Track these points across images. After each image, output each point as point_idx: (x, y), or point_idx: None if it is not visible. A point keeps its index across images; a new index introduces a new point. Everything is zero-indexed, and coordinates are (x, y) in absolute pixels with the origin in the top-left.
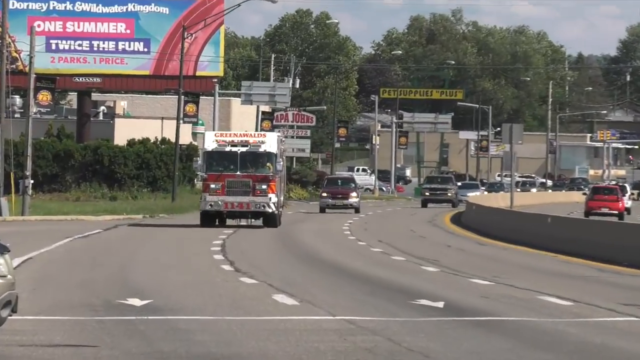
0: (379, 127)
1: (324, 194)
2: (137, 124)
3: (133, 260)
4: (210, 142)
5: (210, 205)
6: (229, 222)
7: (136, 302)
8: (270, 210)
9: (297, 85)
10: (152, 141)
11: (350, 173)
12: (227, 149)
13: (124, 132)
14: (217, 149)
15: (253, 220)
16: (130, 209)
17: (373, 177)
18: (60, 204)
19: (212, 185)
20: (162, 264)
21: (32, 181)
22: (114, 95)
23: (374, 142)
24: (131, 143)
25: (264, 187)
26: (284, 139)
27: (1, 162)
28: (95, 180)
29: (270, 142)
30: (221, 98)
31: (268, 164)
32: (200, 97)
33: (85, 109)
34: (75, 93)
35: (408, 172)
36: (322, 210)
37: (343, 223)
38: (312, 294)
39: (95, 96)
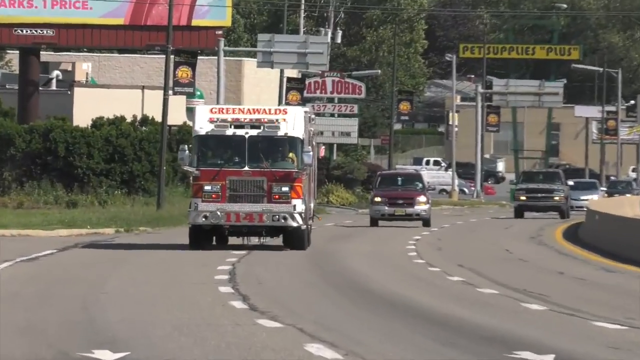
0: (458, 101)
1: (377, 199)
2: (106, 95)
3: (101, 293)
4: (202, 121)
5: (205, 217)
6: (231, 240)
7: (106, 355)
8: (294, 225)
9: (339, 40)
10: (128, 121)
11: (415, 167)
12: (229, 131)
13: (88, 108)
14: (213, 132)
15: (268, 238)
16: (97, 219)
17: (449, 173)
18: None
19: (207, 187)
20: (144, 298)
21: None
22: (73, 54)
23: (450, 122)
24: (98, 124)
25: (285, 189)
26: (314, 116)
27: None
28: (45, 177)
29: (293, 121)
30: (228, 59)
31: (291, 154)
32: (199, 57)
33: (31, 75)
34: (17, 52)
35: (500, 166)
36: (374, 222)
37: (407, 240)
38: (361, 343)
39: (45, 56)
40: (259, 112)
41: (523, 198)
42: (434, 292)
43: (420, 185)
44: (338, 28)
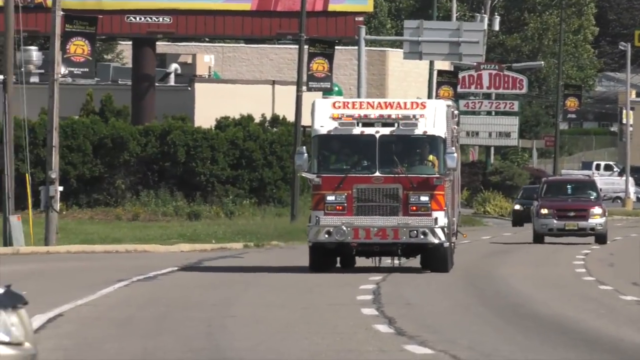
0: (633, 96)
1: (543, 211)
2: (231, 92)
3: (228, 317)
4: (323, 117)
5: (328, 233)
6: (359, 262)
7: None
8: (435, 241)
9: (497, 27)
10: (256, 121)
11: (586, 172)
12: (356, 130)
13: (210, 107)
14: (336, 131)
15: (403, 259)
16: (223, 233)
17: (623, 178)
18: (106, 226)
19: (331, 197)
20: (276, 322)
21: (60, 188)
22: (193, 45)
23: (624, 121)
24: (222, 124)
25: (425, 198)
26: (457, 112)
27: (9, 158)
28: (164, 186)
29: (434, 117)
30: (370, 49)
31: (431, 156)
32: (337, 47)
33: (145, 69)
34: (130, 42)
35: None
36: (539, 238)
37: (574, 255)
38: None
39: (162, 47)
40: (391, 107)
41: None
42: (605, 313)
43: (595, 194)
44: (496, 13)
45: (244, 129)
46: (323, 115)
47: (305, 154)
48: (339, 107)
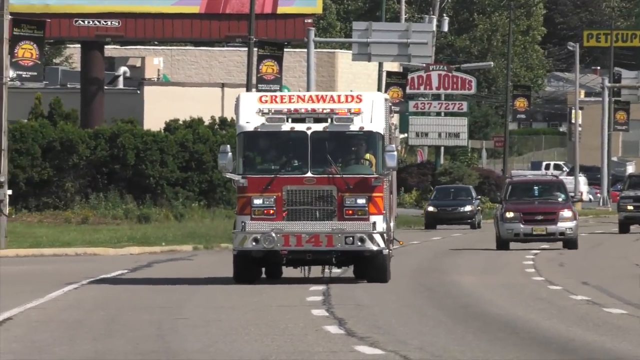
0: (582, 96)
1: (509, 214)
2: (180, 94)
3: (178, 319)
4: (249, 113)
5: (255, 240)
6: (287, 272)
7: None
8: (373, 248)
9: (446, 28)
10: (206, 123)
11: (536, 172)
12: (285, 126)
13: (160, 109)
14: (264, 128)
15: (334, 269)
16: (173, 235)
17: (575, 178)
18: (56, 229)
19: (258, 201)
20: (227, 324)
21: (9, 192)
22: (142, 48)
23: (572, 121)
24: (172, 127)
25: (362, 201)
26: (392, 105)
27: None
28: (113, 189)
29: (371, 111)
30: (320, 51)
31: (368, 155)
32: (286, 49)
33: (94, 72)
34: (79, 46)
35: (630, 170)
36: (504, 244)
37: (523, 255)
38: None
39: (110, 50)
40: (324, 101)
41: (630, 208)
42: (555, 313)
43: (563, 196)
44: (444, 14)
45: (194, 131)
46: (249, 111)
47: (230, 153)
48: (266, 101)
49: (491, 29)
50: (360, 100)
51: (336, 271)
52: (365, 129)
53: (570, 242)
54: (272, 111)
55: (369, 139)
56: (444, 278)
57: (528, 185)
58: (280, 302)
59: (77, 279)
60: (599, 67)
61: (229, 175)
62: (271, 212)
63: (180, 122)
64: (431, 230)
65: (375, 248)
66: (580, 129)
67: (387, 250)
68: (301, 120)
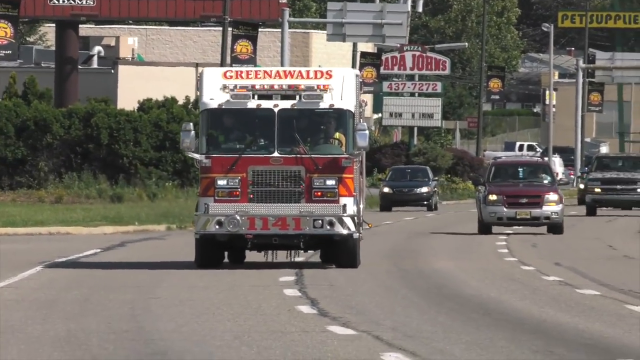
0: (556, 77)
1: (492, 197)
2: (155, 74)
3: (151, 298)
4: (213, 89)
5: (219, 223)
6: (251, 256)
7: None
8: (343, 232)
9: (420, 9)
10: (180, 103)
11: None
12: (251, 103)
13: (134, 89)
14: (228, 105)
15: (301, 253)
16: (146, 215)
17: (549, 159)
18: (29, 208)
19: (222, 182)
20: (200, 304)
21: None
22: (117, 28)
23: (547, 102)
24: (145, 106)
25: (331, 182)
26: (362, 80)
27: None
28: (87, 168)
29: (341, 88)
30: (294, 31)
31: (338, 133)
32: (260, 29)
33: (69, 51)
34: (53, 25)
35: (604, 151)
36: (486, 228)
37: (496, 235)
38: (445, 352)
39: (85, 30)
40: (292, 76)
41: (598, 190)
42: (528, 294)
43: (549, 178)
44: None
45: (168, 111)
46: (213, 87)
47: (193, 131)
48: (231, 77)
49: (466, 10)
50: (330, 76)
51: (299, 259)
52: (335, 107)
53: (555, 227)
54: (237, 87)
55: (339, 117)
56: (418, 259)
57: (512, 167)
58: (253, 282)
59: (51, 258)
60: (573, 48)
61: (191, 155)
62: (236, 193)
63: (154, 101)
64: (385, 213)
65: (345, 232)
66: (554, 110)
67: (358, 234)
68: (268, 97)
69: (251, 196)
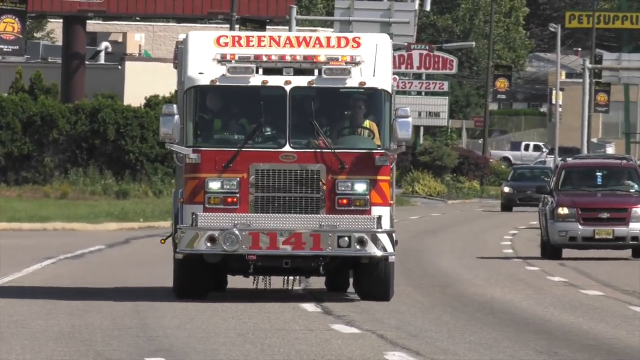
0: (563, 77)
1: (562, 210)
2: (161, 70)
3: (157, 295)
4: (202, 59)
5: (211, 239)
6: (234, 282)
7: None
8: (377, 254)
9: (428, 8)
10: None
11: (515, 153)
12: (254, 79)
13: (141, 85)
14: (224, 81)
15: (310, 279)
16: (151, 212)
17: (554, 159)
18: (34, 204)
19: (215, 184)
20: (204, 301)
21: None
22: (124, 24)
23: (553, 102)
24: (152, 103)
25: (362, 187)
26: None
27: None
28: (93, 164)
29: (373, 61)
30: (301, 28)
31: (369, 121)
32: (268, 26)
33: (76, 47)
34: (61, 20)
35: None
36: (554, 252)
37: (501, 235)
38: (449, 352)
39: (92, 25)
40: (308, 44)
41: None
42: (532, 294)
43: (636, 186)
44: None
45: None
46: (202, 57)
47: (177, 116)
48: (226, 43)
49: (474, 9)
50: (359, 44)
51: (299, 287)
52: (367, 85)
53: None
54: (236, 58)
55: (371, 100)
56: (423, 258)
57: (588, 171)
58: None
59: (55, 253)
60: (580, 49)
61: (174, 148)
62: (233, 200)
63: (161, 97)
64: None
65: (380, 253)
66: (560, 109)
67: (394, 256)
68: (277, 71)
69: (254, 204)
